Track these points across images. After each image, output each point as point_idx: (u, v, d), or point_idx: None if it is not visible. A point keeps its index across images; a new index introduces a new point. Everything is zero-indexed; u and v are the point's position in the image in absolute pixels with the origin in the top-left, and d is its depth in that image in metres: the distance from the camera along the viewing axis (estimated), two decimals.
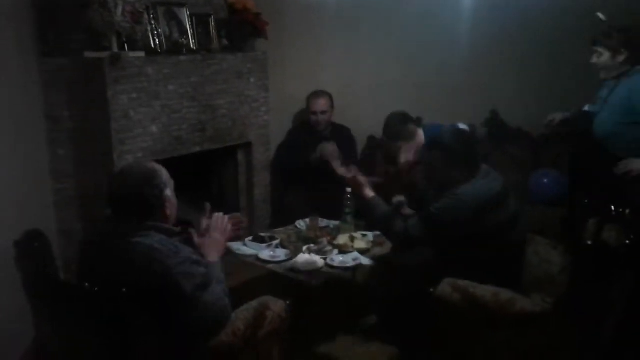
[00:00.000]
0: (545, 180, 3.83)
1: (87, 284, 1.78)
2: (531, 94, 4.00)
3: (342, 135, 4.11)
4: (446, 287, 2.27)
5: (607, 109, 3.09)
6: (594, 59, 3.04)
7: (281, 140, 4.23)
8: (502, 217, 2.45)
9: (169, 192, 1.96)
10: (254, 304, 2.12)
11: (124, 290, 1.75)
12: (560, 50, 3.88)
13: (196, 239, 2.09)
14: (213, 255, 2.05)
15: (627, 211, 2.42)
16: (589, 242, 2.17)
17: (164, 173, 1.97)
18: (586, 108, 3.38)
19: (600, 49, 3.00)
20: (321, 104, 4.02)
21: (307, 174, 3.92)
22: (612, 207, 2.51)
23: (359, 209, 3.05)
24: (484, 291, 2.22)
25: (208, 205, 2.23)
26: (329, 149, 3.82)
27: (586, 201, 2.72)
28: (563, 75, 3.89)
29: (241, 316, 2.02)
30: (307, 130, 4.11)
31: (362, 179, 2.75)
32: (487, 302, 2.19)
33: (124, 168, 2.03)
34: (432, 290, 2.30)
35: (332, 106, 4.05)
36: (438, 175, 2.58)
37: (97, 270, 1.89)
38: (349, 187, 3.24)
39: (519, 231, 2.51)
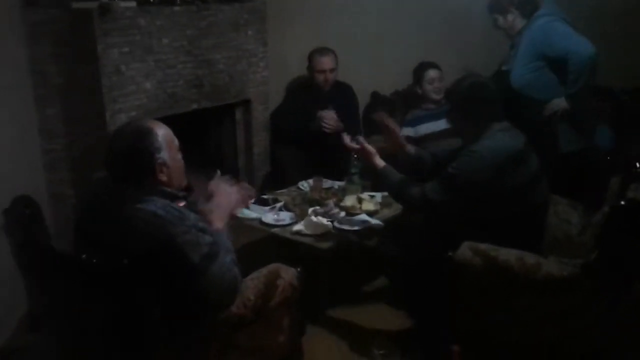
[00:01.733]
0: None
1: (84, 255, 1.63)
2: None
3: (344, 94, 3.92)
4: (466, 250, 2.14)
5: (517, 62, 3.23)
6: (494, 25, 3.30)
7: (280, 98, 4.03)
8: (524, 176, 2.30)
9: (164, 154, 1.78)
10: (263, 271, 1.98)
11: (125, 261, 1.60)
12: None
13: (200, 205, 1.94)
14: (219, 223, 1.91)
15: None
16: (622, 203, 2.02)
17: (160, 133, 1.79)
18: (503, 68, 3.48)
19: (494, 16, 3.26)
20: (328, 61, 3.79)
21: (308, 135, 3.76)
22: (638, 165, 2.40)
23: (366, 169, 2.90)
24: (507, 255, 2.09)
25: (218, 172, 2.07)
26: (328, 117, 3.68)
27: (608, 158, 2.60)
28: None
29: (251, 285, 1.89)
30: (307, 90, 3.91)
31: (370, 148, 2.59)
32: (510, 266, 2.06)
33: (120, 127, 1.86)
34: (450, 254, 2.17)
35: (337, 64, 3.84)
36: (455, 129, 2.43)
37: (95, 239, 1.74)
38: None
39: (540, 191, 2.37)
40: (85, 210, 1.88)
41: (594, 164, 3.19)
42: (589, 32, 3.73)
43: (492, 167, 2.25)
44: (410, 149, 2.74)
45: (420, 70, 3.81)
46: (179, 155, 1.86)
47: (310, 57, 3.82)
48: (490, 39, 3.76)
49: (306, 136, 3.75)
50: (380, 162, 2.55)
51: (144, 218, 1.65)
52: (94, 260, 1.63)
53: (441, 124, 3.65)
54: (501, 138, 2.33)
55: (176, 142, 1.85)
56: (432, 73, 3.77)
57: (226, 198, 1.99)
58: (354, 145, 2.64)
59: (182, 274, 1.66)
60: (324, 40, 3.90)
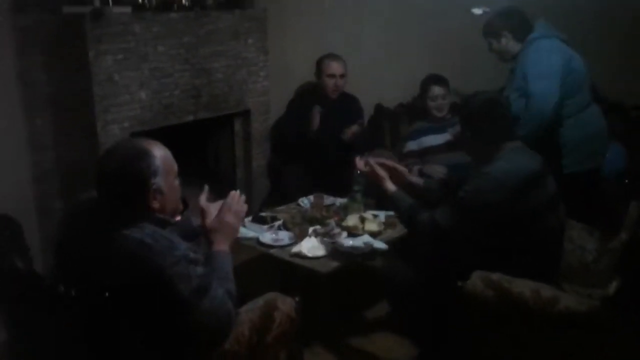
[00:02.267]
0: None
1: (62, 287, 1.48)
2: None
3: (350, 105, 3.79)
4: (477, 281, 1.99)
5: (511, 87, 2.98)
6: (489, 49, 3.10)
7: (281, 109, 3.89)
8: (540, 199, 2.15)
9: (160, 180, 1.60)
10: (259, 302, 1.83)
11: (107, 293, 1.46)
12: None
13: (200, 221, 1.79)
14: (223, 243, 1.75)
15: None
16: None
17: (158, 155, 1.61)
18: (505, 94, 3.20)
19: (488, 40, 3.07)
20: (339, 67, 3.67)
21: (311, 147, 3.63)
22: None
23: (369, 186, 2.76)
24: (522, 287, 1.94)
25: (206, 187, 1.92)
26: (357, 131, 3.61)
27: (626, 181, 2.46)
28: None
29: (245, 318, 1.74)
30: (312, 97, 3.77)
31: (381, 171, 2.45)
32: (525, 299, 1.91)
33: (114, 144, 1.69)
34: (460, 284, 2.02)
35: (346, 71, 3.71)
36: (467, 150, 2.29)
37: (77, 266, 1.59)
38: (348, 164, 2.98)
39: (557, 216, 2.23)
40: (67, 233, 1.72)
41: (599, 185, 3.03)
42: (598, 48, 3.66)
43: (506, 189, 2.10)
44: (418, 181, 2.62)
45: (425, 84, 3.68)
46: (177, 182, 1.69)
47: (320, 62, 3.70)
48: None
49: (307, 145, 3.63)
50: (391, 187, 2.41)
51: (130, 246, 1.50)
52: (74, 292, 1.49)
53: (445, 137, 3.55)
54: (516, 158, 2.19)
55: (175, 167, 1.68)
56: (436, 90, 3.63)
57: (234, 214, 1.82)
58: (365, 169, 2.50)
59: (170, 309, 1.51)
60: (326, 51, 3.77)
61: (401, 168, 2.60)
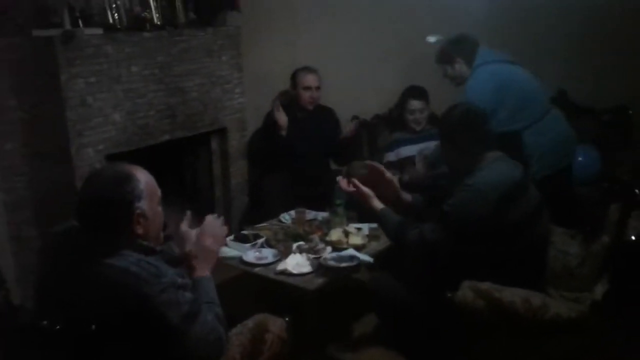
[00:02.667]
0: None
1: (45, 320, 1.42)
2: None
3: (326, 117, 3.79)
4: (467, 291, 1.98)
5: None
6: (444, 75, 3.17)
7: (258, 124, 3.87)
8: (525, 208, 2.16)
9: (143, 205, 1.57)
10: (249, 324, 1.80)
11: (93, 326, 1.40)
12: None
13: (179, 247, 1.75)
14: (204, 268, 1.72)
15: None
16: (633, 238, 1.90)
17: (142, 180, 1.58)
18: None
19: (442, 66, 3.15)
20: (314, 79, 3.67)
21: (289, 158, 3.61)
22: (637, 191, 2.29)
23: (351, 199, 2.74)
24: (512, 296, 1.94)
25: (188, 214, 1.88)
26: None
27: (606, 185, 2.49)
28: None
29: (236, 342, 1.70)
30: (289, 110, 3.77)
31: (367, 190, 2.44)
32: (516, 308, 1.91)
33: (96, 170, 1.64)
34: (450, 295, 2.01)
35: (321, 84, 3.72)
36: (448, 162, 2.30)
37: (60, 299, 1.53)
38: (340, 176, 2.97)
39: (542, 223, 2.24)
40: (48, 265, 1.65)
41: (572, 186, 3.10)
42: (566, 54, 3.73)
43: (491, 200, 2.11)
44: (407, 196, 2.61)
45: (404, 97, 3.71)
46: (160, 208, 1.66)
47: (295, 75, 3.69)
48: None
49: (284, 156, 3.62)
50: (377, 205, 2.39)
51: (114, 276, 1.46)
52: (57, 327, 1.43)
53: (422, 147, 3.57)
54: (497, 168, 2.19)
55: (159, 192, 1.65)
56: (414, 104, 3.66)
57: (213, 238, 1.79)
58: (350, 188, 2.48)
59: (161, 338, 1.47)
60: (301, 65, 3.77)
61: (389, 175, 2.59)
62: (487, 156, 2.23)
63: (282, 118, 3.60)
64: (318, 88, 3.69)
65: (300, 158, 3.65)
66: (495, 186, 2.12)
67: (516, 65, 3.04)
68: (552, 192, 2.74)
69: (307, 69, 3.69)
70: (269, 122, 3.73)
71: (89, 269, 1.48)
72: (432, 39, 3.35)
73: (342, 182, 2.52)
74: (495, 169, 2.18)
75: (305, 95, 3.66)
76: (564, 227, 2.53)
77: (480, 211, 2.09)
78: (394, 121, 3.89)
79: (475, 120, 2.27)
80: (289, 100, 3.77)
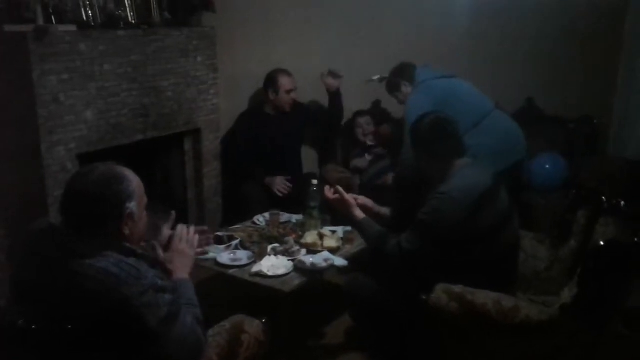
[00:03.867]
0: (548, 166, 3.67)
1: (21, 321, 1.40)
2: (505, 73, 3.83)
3: (302, 112, 3.84)
4: (441, 294, 2.02)
5: None
6: (399, 103, 3.41)
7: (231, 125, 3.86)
8: (497, 213, 2.21)
9: (133, 206, 1.56)
10: (226, 326, 1.79)
11: (72, 326, 1.38)
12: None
13: (160, 254, 1.74)
14: (183, 272, 1.73)
15: (622, 202, 2.26)
16: (602, 243, 1.96)
17: (133, 184, 1.58)
18: None
19: (394, 95, 3.42)
20: (294, 81, 3.72)
21: (265, 162, 3.63)
22: (604, 198, 2.36)
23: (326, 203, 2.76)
24: (484, 299, 1.98)
25: (173, 214, 1.87)
26: (279, 183, 3.63)
27: (574, 191, 2.56)
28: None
29: (213, 343, 1.69)
30: (263, 113, 3.77)
31: (350, 199, 2.47)
32: (488, 310, 1.96)
33: (88, 167, 1.62)
34: (424, 297, 2.05)
35: None
36: (421, 170, 2.34)
37: (38, 301, 1.49)
38: (315, 179, 2.99)
39: (513, 228, 2.29)
40: (24, 265, 1.61)
41: (521, 180, 3.27)
42: (533, 64, 3.83)
43: (462, 207, 2.15)
44: (386, 211, 2.67)
45: (353, 118, 3.99)
46: (144, 213, 1.65)
47: (276, 78, 3.70)
48: (448, 62, 3.75)
49: (265, 159, 3.65)
50: (359, 214, 2.43)
51: (93, 276, 1.43)
52: (33, 326, 1.40)
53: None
54: (469, 175, 2.24)
55: (145, 198, 1.65)
56: (360, 120, 3.95)
57: (187, 244, 1.80)
58: (332, 196, 2.50)
59: (138, 341, 1.45)
60: (276, 66, 3.77)
61: (367, 201, 2.63)
62: (458, 163, 2.28)
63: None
64: (296, 90, 3.73)
65: (275, 160, 3.65)
66: (467, 193, 2.16)
67: (453, 78, 3.26)
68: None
69: (286, 72, 3.70)
70: (242, 128, 3.72)
71: (67, 268, 1.45)
72: (375, 77, 3.55)
73: (327, 190, 2.55)
74: (466, 176, 2.23)
75: (288, 98, 3.69)
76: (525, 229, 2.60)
77: (453, 218, 2.14)
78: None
79: (445, 128, 2.32)
80: (259, 105, 3.80)
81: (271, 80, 3.70)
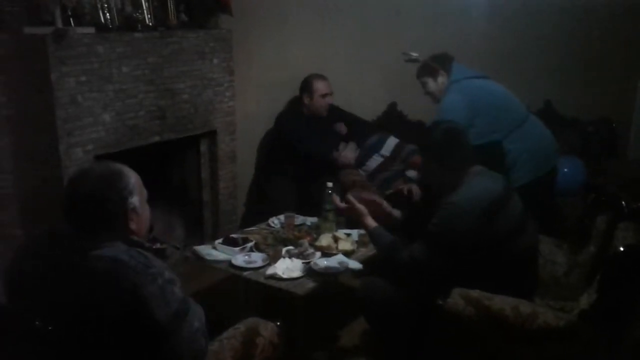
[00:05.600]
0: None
1: (35, 319, 1.41)
2: (516, 77, 3.78)
3: (337, 114, 3.83)
4: (458, 298, 2.00)
5: None
6: (425, 91, 3.19)
7: (248, 128, 3.87)
8: (508, 220, 2.19)
9: (135, 200, 1.58)
10: (241, 328, 1.79)
11: (80, 321, 1.39)
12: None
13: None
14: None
15: None
16: (622, 249, 1.93)
17: (132, 178, 1.60)
18: None
19: (424, 79, 3.16)
20: (328, 85, 3.73)
21: (302, 164, 3.64)
22: (623, 203, 2.33)
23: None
24: (502, 303, 1.96)
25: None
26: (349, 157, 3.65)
27: (593, 195, 2.53)
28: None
29: (228, 346, 1.69)
30: (301, 116, 3.78)
31: (361, 207, 2.46)
32: (505, 316, 1.93)
33: (84, 167, 1.64)
34: (441, 302, 2.03)
35: None
36: (430, 181, 2.34)
37: (47, 296, 1.50)
38: (330, 182, 2.98)
39: (528, 234, 2.27)
40: (30, 264, 1.57)
41: (553, 190, 3.14)
42: (554, 65, 3.78)
43: (473, 216, 2.13)
44: (397, 213, 2.66)
45: None
46: (147, 205, 1.67)
47: (311, 82, 3.71)
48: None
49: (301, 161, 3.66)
50: (371, 223, 2.42)
51: (103, 265, 1.44)
52: (46, 323, 1.41)
53: None
54: (478, 184, 2.22)
55: (145, 192, 1.66)
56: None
57: None
58: (342, 205, 2.50)
59: (147, 334, 1.44)
60: (292, 70, 3.78)
61: (379, 200, 2.62)
62: (469, 172, 2.26)
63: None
64: (331, 94, 3.75)
65: (310, 164, 3.66)
66: (476, 202, 2.15)
67: (486, 79, 3.13)
68: (535, 199, 2.79)
69: (321, 76, 3.73)
70: (282, 126, 3.75)
71: (76, 261, 1.46)
72: (414, 54, 3.36)
73: (335, 199, 2.54)
74: (475, 185, 2.21)
75: (323, 102, 3.70)
76: (545, 234, 2.56)
77: (463, 227, 2.13)
78: (382, 128, 3.92)
79: (456, 137, 2.31)
80: (296, 107, 3.80)
81: (306, 85, 3.72)
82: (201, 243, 2.97)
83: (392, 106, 4.07)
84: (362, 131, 3.84)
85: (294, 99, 3.93)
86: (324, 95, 3.70)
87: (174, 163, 3.66)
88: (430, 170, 2.38)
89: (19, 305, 1.56)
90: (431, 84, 3.13)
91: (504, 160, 2.95)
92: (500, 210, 2.18)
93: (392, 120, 4.01)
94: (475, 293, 2.01)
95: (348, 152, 3.70)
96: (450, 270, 2.14)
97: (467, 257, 2.14)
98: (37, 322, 1.41)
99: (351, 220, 2.78)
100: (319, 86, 3.70)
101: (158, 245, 1.79)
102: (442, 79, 3.10)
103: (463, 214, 2.14)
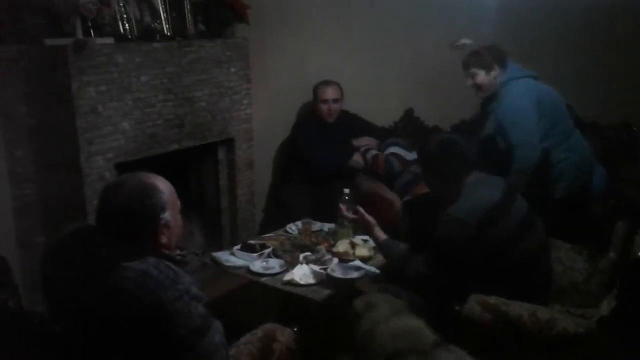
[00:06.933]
0: None
1: (59, 325, 1.43)
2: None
3: (348, 120, 3.82)
4: (474, 305, 2.00)
5: (489, 129, 3.00)
6: (469, 82, 2.99)
7: (266, 136, 3.90)
8: (510, 224, 2.20)
9: (168, 215, 1.59)
10: (258, 334, 1.80)
11: (106, 326, 1.42)
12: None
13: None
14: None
15: None
16: None
17: (166, 191, 1.60)
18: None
19: (473, 70, 2.95)
20: (332, 91, 3.72)
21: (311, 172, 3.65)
22: None
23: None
24: (519, 310, 1.95)
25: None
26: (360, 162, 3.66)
27: (613, 201, 2.51)
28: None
29: (245, 351, 1.71)
30: (313, 123, 3.79)
31: (370, 219, 2.50)
32: (523, 322, 1.93)
33: (119, 178, 1.66)
34: (457, 308, 2.03)
35: (342, 94, 3.77)
36: (431, 191, 2.39)
37: (74, 303, 1.53)
38: (347, 187, 2.98)
39: (534, 236, 2.26)
40: (58, 268, 1.64)
41: (587, 205, 3.05)
42: (570, 70, 3.75)
43: (471, 227, 2.15)
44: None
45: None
46: (179, 217, 1.68)
47: (315, 88, 3.74)
48: None
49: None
50: (380, 235, 2.46)
51: (132, 278, 1.45)
52: (70, 330, 1.44)
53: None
54: (478, 193, 2.23)
55: (178, 202, 1.67)
56: None
57: None
58: (351, 216, 2.52)
59: (167, 348, 1.46)
60: (308, 78, 3.80)
61: (390, 197, 2.63)
62: (467, 181, 2.28)
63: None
64: (336, 100, 3.73)
65: (322, 170, 3.67)
66: (474, 211, 2.17)
67: (538, 80, 2.97)
68: (574, 210, 2.76)
69: (325, 82, 3.74)
70: (294, 134, 3.77)
71: (105, 271, 1.48)
72: (466, 40, 3.16)
73: (343, 209, 2.56)
74: (473, 195, 2.23)
75: (323, 109, 3.72)
76: (579, 244, 2.54)
77: (463, 239, 2.14)
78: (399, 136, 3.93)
79: (452, 148, 2.33)
80: (311, 114, 3.82)
81: (313, 90, 3.74)
82: (219, 249, 3.00)
83: (409, 112, 4.07)
84: (376, 137, 3.84)
85: (310, 106, 3.96)
86: (324, 101, 3.70)
87: (193, 170, 3.70)
88: (428, 182, 2.40)
89: (50, 306, 1.60)
90: (482, 76, 2.92)
91: (550, 171, 2.85)
92: (501, 216, 2.20)
93: (409, 126, 4.01)
94: (492, 299, 2.01)
95: (358, 157, 3.68)
96: (459, 277, 2.14)
97: (473, 265, 2.14)
98: (56, 327, 1.44)
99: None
100: (320, 92, 3.72)
101: (177, 252, 1.81)
102: (495, 74, 2.91)
103: (461, 226, 2.16)
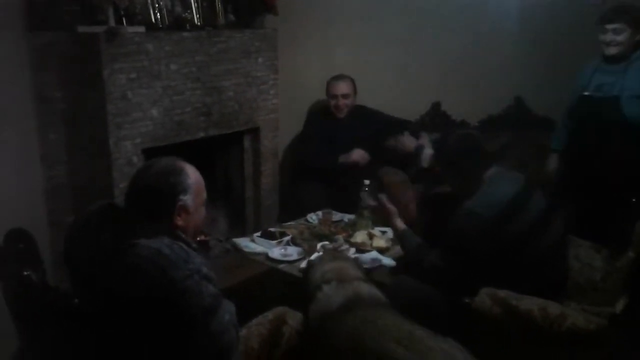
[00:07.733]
0: None
1: (77, 299, 1.51)
2: (559, 79, 3.71)
3: (362, 115, 3.80)
4: (485, 298, 2.01)
5: (630, 88, 2.81)
6: (610, 37, 2.79)
7: (291, 126, 3.94)
8: (526, 219, 2.21)
9: (188, 199, 1.64)
10: (269, 316, 1.85)
11: (119, 301, 1.49)
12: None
13: None
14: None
15: None
16: None
17: (192, 176, 1.67)
18: (587, 94, 3.00)
19: (617, 25, 2.76)
20: (342, 87, 3.72)
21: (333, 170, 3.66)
22: None
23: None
24: (529, 304, 1.96)
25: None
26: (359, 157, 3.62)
27: (634, 200, 2.47)
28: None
29: (255, 332, 1.76)
30: (325, 117, 3.82)
31: (391, 207, 2.54)
32: (533, 317, 1.93)
33: (152, 160, 1.74)
34: (468, 301, 2.04)
35: (354, 90, 3.76)
36: (452, 187, 2.42)
37: (89, 276, 1.60)
38: (367, 179, 3.01)
39: (551, 231, 2.26)
40: (79, 244, 1.72)
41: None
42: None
43: (486, 222, 2.16)
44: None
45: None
46: (203, 209, 1.74)
47: (327, 84, 3.76)
48: (497, 72, 3.69)
49: (332, 170, 3.66)
50: (400, 225, 2.50)
51: (147, 256, 1.52)
52: (85, 304, 1.51)
53: None
54: (495, 188, 2.26)
55: (204, 194, 1.73)
56: None
57: None
58: (373, 203, 2.56)
59: (177, 326, 1.51)
60: (337, 68, 3.82)
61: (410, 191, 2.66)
62: (485, 176, 2.29)
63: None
64: (346, 96, 3.71)
65: (308, 165, 3.69)
66: (490, 206, 2.19)
67: None
68: None
69: (337, 77, 3.74)
70: (314, 131, 3.80)
71: (122, 246, 1.54)
72: None
73: (368, 199, 2.61)
74: (489, 190, 2.25)
75: (332, 104, 3.72)
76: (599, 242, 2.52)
77: (477, 233, 2.16)
78: (426, 129, 3.91)
79: (469, 144, 2.36)
80: (326, 106, 3.84)
81: (326, 86, 3.76)
82: (243, 236, 3.06)
83: (436, 106, 4.06)
84: (398, 131, 3.78)
85: (315, 97, 3.98)
86: (333, 97, 3.70)
87: (218, 158, 3.76)
88: (448, 177, 2.42)
89: (71, 284, 1.68)
90: (627, 34, 2.75)
91: None
92: (517, 211, 2.21)
93: (436, 120, 4.00)
94: (502, 293, 2.01)
95: (360, 151, 3.64)
96: (474, 271, 2.16)
97: (487, 259, 2.14)
98: (75, 301, 1.51)
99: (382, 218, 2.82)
100: (330, 87, 3.73)
101: (202, 237, 1.88)
102: (638, 36, 2.78)
103: (477, 220, 2.18)
